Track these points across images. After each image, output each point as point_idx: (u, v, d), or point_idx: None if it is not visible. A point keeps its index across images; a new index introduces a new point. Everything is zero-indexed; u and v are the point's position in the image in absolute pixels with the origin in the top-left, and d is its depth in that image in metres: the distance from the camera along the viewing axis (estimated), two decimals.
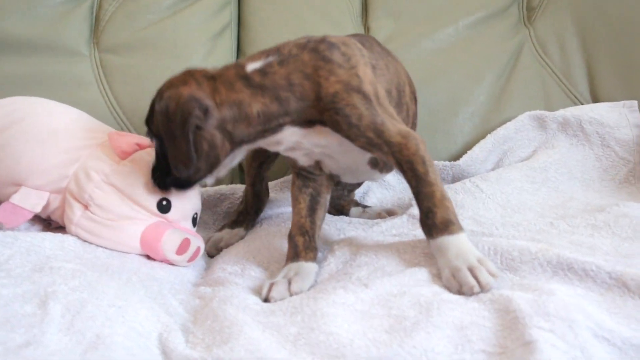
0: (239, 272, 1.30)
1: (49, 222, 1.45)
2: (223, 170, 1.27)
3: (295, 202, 1.35)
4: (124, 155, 1.36)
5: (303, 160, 1.32)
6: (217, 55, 1.86)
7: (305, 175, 1.35)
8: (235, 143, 1.21)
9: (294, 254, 1.28)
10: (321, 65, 1.19)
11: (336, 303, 1.03)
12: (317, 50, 1.21)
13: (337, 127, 1.19)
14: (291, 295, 1.15)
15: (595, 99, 1.86)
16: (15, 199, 1.36)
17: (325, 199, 1.37)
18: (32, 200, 1.36)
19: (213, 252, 1.51)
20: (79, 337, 0.92)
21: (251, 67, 1.21)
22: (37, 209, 1.36)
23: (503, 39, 1.91)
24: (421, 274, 1.13)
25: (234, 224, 1.57)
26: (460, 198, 1.54)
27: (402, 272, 1.15)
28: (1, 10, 1.82)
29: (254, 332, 0.98)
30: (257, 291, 1.20)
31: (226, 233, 1.55)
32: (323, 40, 1.23)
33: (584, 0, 1.91)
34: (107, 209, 1.32)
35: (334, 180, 1.40)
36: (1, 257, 1.14)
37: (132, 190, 1.34)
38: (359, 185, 1.70)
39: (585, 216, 1.39)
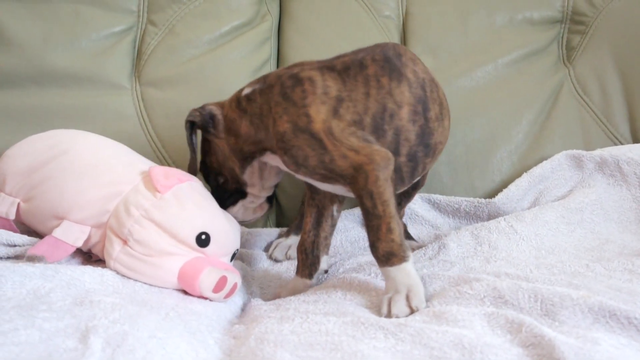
0: (273, 308, 1.31)
1: (89, 255, 1.46)
2: (263, 183, 1.53)
3: (305, 213, 1.47)
4: (164, 190, 1.37)
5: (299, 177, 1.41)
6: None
7: (313, 188, 1.44)
8: (243, 155, 1.42)
9: (297, 269, 1.47)
10: (279, 102, 1.30)
11: (377, 348, 1.02)
12: (284, 85, 1.32)
13: (287, 166, 1.31)
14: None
15: (637, 140, 1.84)
16: (58, 232, 1.37)
17: (331, 210, 1.46)
18: (74, 235, 1.37)
19: (281, 258, 1.64)
20: None
21: (245, 91, 1.39)
22: (79, 244, 1.37)
23: (542, 77, 1.90)
24: (460, 315, 1.12)
25: (298, 228, 1.66)
26: (494, 238, 1.53)
27: (439, 312, 1.14)
28: (45, 44, 1.86)
29: None
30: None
31: (292, 240, 1.66)
32: (296, 74, 1.33)
33: (625, 39, 1.90)
34: (146, 244, 1.33)
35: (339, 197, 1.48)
36: (42, 290, 1.14)
37: (171, 224, 1.34)
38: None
39: (622, 260, 1.36)
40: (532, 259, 1.44)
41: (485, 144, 1.83)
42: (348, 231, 1.77)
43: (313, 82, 1.31)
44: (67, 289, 1.17)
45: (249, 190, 1.51)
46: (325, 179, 1.28)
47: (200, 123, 1.44)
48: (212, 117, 1.43)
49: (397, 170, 1.39)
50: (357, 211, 1.80)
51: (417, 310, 1.16)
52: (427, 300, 1.20)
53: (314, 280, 1.46)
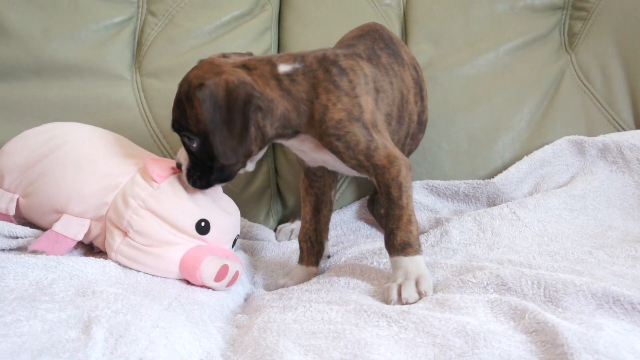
0: (276, 298, 1.31)
1: (91, 247, 1.46)
2: (250, 165, 1.37)
3: (302, 204, 1.49)
4: (160, 179, 1.37)
5: (310, 163, 1.44)
6: None
7: (311, 175, 1.47)
8: (265, 136, 1.30)
9: (300, 258, 1.48)
10: (331, 90, 1.28)
11: (380, 336, 1.02)
12: (330, 72, 1.30)
13: (335, 150, 1.29)
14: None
15: None
16: (58, 227, 1.37)
17: (330, 195, 1.49)
18: (74, 229, 1.37)
19: (284, 239, 1.70)
20: None
21: (283, 68, 1.30)
22: (79, 237, 1.37)
23: (544, 65, 1.89)
24: (463, 302, 1.12)
25: None
26: (497, 225, 1.53)
27: (442, 299, 1.14)
28: (46, 35, 1.85)
29: (296, 357, 0.98)
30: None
31: (297, 224, 1.70)
32: (335, 62, 1.31)
33: (627, 25, 1.89)
34: (146, 234, 1.33)
35: (337, 177, 1.51)
36: (45, 281, 1.14)
37: (170, 213, 1.34)
38: None
39: (625, 246, 1.37)
40: (535, 246, 1.45)
41: (488, 132, 1.83)
42: (348, 223, 1.77)
43: (355, 72, 1.32)
44: (70, 280, 1.17)
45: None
46: (358, 166, 1.29)
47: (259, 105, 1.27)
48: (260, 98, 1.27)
49: (402, 150, 1.44)
50: (355, 206, 1.81)
51: (426, 295, 1.17)
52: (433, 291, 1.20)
53: (319, 267, 1.48)
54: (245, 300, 1.38)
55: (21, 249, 1.38)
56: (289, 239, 1.73)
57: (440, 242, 1.49)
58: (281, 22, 1.99)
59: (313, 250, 1.47)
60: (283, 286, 1.42)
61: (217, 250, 1.36)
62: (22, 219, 1.49)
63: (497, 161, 1.81)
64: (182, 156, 1.34)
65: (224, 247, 1.40)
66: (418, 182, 1.79)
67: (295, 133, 1.32)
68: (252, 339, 1.07)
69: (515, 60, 1.89)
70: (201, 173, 1.32)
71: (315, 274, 1.46)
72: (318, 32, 1.90)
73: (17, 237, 1.40)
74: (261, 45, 1.93)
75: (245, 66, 1.29)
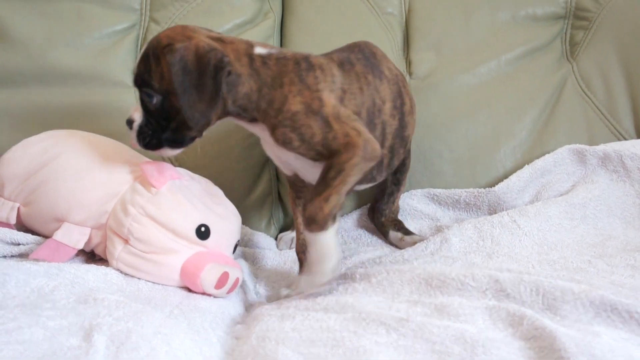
0: (274, 307, 1.31)
1: (92, 254, 1.47)
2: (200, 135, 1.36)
3: (294, 216, 1.51)
4: (159, 184, 1.37)
5: (284, 170, 1.45)
6: None
7: (296, 186, 1.48)
8: (225, 109, 1.31)
9: (300, 269, 1.49)
10: (294, 82, 1.30)
11: (379, 343, 1.02)
12: (299, 65, 1.33)
13: (288, 142, 1.30)
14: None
15: None
16: (59, 235, 1.38)
17: None
18: (74, 237, 1.38)
19: (284, 248, 1.71)
20: None
21: (258, 50, 1.33)
22: (80, 245, 1.38)
23: (546, 73, 1.89)
24: (461, 309, 1.12)
25: None
26: (497, 233, 1.53)
27: (441, 305, 1.14)
28: (48, 42, 1.86)
29: None
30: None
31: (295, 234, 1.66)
32: (307, 58, 1.35)
33: (628, 34, 1.89)
34: (147, 241, 1.34)
35: None
36: (47, 288, 1.15)
37: (169, 219, 1.35)
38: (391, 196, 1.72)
39: (625, 256, 1.37)
40: (535, 254, 1.45)
41: (489, 141, 1.83)
42: (349, 231, 1.77)
43: (323, 70, 1.34)
44: (71, 287, 1.18)
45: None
46: (318, 155, 1.30)
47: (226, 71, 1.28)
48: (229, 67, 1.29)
49: (379, 163, 1.45)
50: (355, 215, 1.81)
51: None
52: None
53: None
54: (246, 308, 1.38)
55: (23, 256, 1.39)
56: (290, 248, 1.73)
57: (440, 250, 1.49)
58: (283, 30, 1.99)
59: None
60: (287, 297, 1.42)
61: (217, 257, 1.37)
62: (23, 228, 1.49)
63: (499, 170, 1.81)
64: (137, 113, 1.33)
65: (224, 252, 1.40)
66: (419, 190, 1.79)
67: (252, 119, 1.34)
68: (251, 348, 1.07)
69: (517, 69, 1.89)
70: (153, 132, 1.32)
71: None
72: (320, 40, 1.91)
73: (18, 244, 1.41)
74: None
75: (221, 39, 1.32)
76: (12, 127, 1.78)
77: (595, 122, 1.86)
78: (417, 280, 1.26)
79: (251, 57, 1.32)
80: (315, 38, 1.93)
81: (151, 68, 1.28)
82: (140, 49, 1.91)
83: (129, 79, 1.87)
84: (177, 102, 1.26)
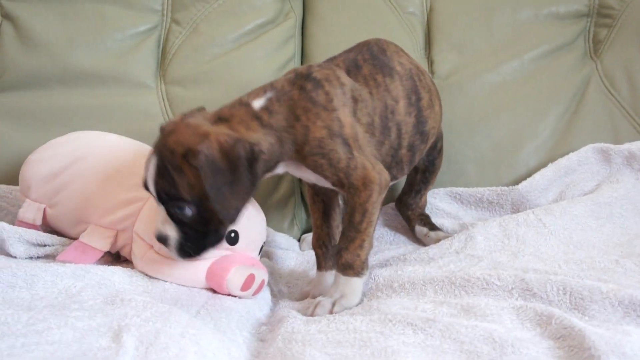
0: (301, 308, 1.31)
1: (118, 255, 1.47)
2: None
3: (311, 212, 1.49)
4: None
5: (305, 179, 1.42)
6: None
7: (316, 186, 1.45)
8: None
9: (318, 265, 1.46)
10: (308, 108, 1.27)
11: (407, 343, 1.02)
12: (304, 89, 1.30)
13: (318, 168, 1.30)
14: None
15: None
16: (85, 237, 1.38)
17: (337, 200, 1.49)
18: (100, 239, 1.38)
19: (307, 249, 1.71)
20: None
21: (257, 104, 1.27)
22: (106, 248, 1.38)
23: (569, 72, 1.88)
24: (488, 309, 1.11)
25: None
26: (522, 232, 1.52)
27: (467, 305, 1.14)
28: (70, 44, 1.87)
29: None
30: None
31: None
32: (309, 75, 1.31)
33: None
34: None
35: None
36: (74, 289, 1.16)
37: None
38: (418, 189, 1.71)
39: None
40: (561, 254, 1.43)
41: (512, 140, 1.82)
42: None
43: (330, 82, 1.32)
44: (98, 289, 1.19)
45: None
46: (339, 182, 1.30)
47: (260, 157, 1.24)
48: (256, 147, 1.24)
49: (399, 162, 1.44)
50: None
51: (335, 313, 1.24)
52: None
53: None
54: (271, 309, 1.39)
55: (49, 257, 1.40)
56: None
57: (465, 249, 1.48)
58: (305, 30, 2.00)
59: (329, 254, 1.45)
60: (307, 294, 1.42)
61: (243, 259, 1.36)
62: (49, 229, 1.49)
63: (522, 169, 1.80)
64: (169, 228, 1.24)
65: (251, 255, 1.40)
66: (441, 189, 1.78)
67: (276, 164, 1.30)
68: (277, 350, 1.07)
69: (540, 68, 1.88)
70: (194, 240, 1.25)
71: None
72: (341, 40, 1.89)
73: (45, 245, 1.41)
74: (285, 54, 1.93)
75: (221, 118, 1.25)
76: (36, 128, 1.79)
77: (620, 120, 1.84)
78: (441, 280, 1.26)
79: (257, 115, 1.26)
80: (336, 38, 1.92)
81: (175, 181, 1.19)
82: (162, 50, 1.92)
83: (151, 80, 1.88)
84: (211, 205, 1.18)
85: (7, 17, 1.90)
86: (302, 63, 1.97)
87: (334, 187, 1.34)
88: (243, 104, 1.27)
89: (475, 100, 1.84)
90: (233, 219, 1.22)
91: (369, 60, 1.43)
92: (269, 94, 1.29)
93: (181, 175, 1.18)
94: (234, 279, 1.31)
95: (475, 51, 1.90)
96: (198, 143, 1.17)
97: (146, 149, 1.52)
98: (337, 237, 1.45)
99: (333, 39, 1.92)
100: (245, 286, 1.32)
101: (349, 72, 1.39)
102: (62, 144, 1.51)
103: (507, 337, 0.99)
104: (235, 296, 1.33)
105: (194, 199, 1.20)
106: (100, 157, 1.45)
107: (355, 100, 1.34)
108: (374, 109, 1.37)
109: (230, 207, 1.20)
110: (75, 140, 1.50)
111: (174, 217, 1.22)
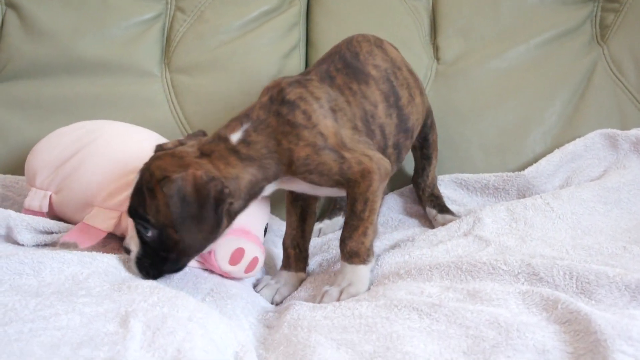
0: (307, 297, 1.32)
1: (122, 239, 1.47)
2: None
3: (288, 214, 1.49)
4: None
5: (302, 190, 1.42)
6: (286, 75, 1.86)
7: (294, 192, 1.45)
8: (232, 215, 1.27)
9: (287, 264, 1.46)
10: (288, 131, 1.29)
11: (412, 328, 1.02)
12: (280, 114, 1.30)
13: (311, 180, 1.32)
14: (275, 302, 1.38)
15: None
16: (89, 219, 1.39)
17: (314, 207, 1.49)
18: (104, 220, 1.39)
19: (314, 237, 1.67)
20: (161, 352, 0.93)
21: (234, 138, 1.28)
22: (110, 228, 1.39)
23: (576, 57, 1.87)
24: (494, 293, 1.11)
25: (332, 213, 1.72)
26: (530, 215, 1.51)
27: (473, 290, 1.14)
28: (75, 32, 1.87)
29: (328, 351, 0.99)
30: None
31: (324, 224, 1.71)
32: (282, 100, 1.31)
33: None
34: None
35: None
36: (81, 276, 1.16)
37: None
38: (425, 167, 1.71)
39: None
40: (569, 239, 1.42)
41: (518, 126, 1.81)
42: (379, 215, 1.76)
43: (305, 100, 1.32)
44: (105, 276, 1.19)
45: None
46: (337, 183, 1.31)
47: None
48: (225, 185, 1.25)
49: (387, 158, 1.42)
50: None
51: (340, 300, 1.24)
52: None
53: (306, 274, 1.48)
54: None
55: (56, 244, 1.40)
56: (319, 236, 1.71)
57: (472, 230, 1.47)
58: (309, 18, 1.99)
59: (301, 257, 1.46)
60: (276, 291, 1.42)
61: (238, 232, 1.35)
62: (55, 216, 1.50)
63: (528, 155, 1.79)
64: (133, 242, 1.26)
65: (254, 233, 1.40)
66: (447, 176, 1.77)
67: (261, 189, 1.31)
68: (283, 336, 1.08)
69: (546, 54, 1.87)
70: (152, 262, 1.25)
71: (302, 280, 1.45)
72: (346, 27, 1.89)
73: (51, 232, 1.42)
74: (290, 41, 1.93)
75: (204, 153, 1.26)
76: (41, 117, 1.80)
77: (627, 105, 1.83)
78: (447, 265, 1.25)
79: (234, 150, 1.27)
80: (341, 25, 1.92)
81: (145, 202, 1.21)
82: (167, 37, 1.92)
83: (155, 68, 1.88)
84: (174, 234, 1.21)
85: (11, 5, 1.90)
86: (306, 51, 1.96)
87: (331, 188, 1.35)
88: (222, 138, 1.29)
89: (481, 86, 1.83)
90: (197, 251, 1.26)
91: (341, 70, 1.42)
92: (245, 126, 1.30)
93: (152, 198, 1.20)
94: (221, 250, 1.32)
95: (481, 37, 1.89)
96: (174, 172, 1.20)
97: (154, 136, 1.52)
98: (309, 243, 1.48)
99: (338, 26, 1.92)
100: (233, 260, 1.32)
101: (323, 83, 1.39)
102: (68, 132, 1.51)
103: (513, 322, 0.99)
104: (234, 278, 1.34)
105: (158, 225, 1.21)
106: (107, 142, 1.45)
107: (333, 110, 1.34)
108: (353, 115, 1.37)
109: (195, 240, 1.22)
110: (82, 128, 1.51)
111: (139, 234, 1.24)
